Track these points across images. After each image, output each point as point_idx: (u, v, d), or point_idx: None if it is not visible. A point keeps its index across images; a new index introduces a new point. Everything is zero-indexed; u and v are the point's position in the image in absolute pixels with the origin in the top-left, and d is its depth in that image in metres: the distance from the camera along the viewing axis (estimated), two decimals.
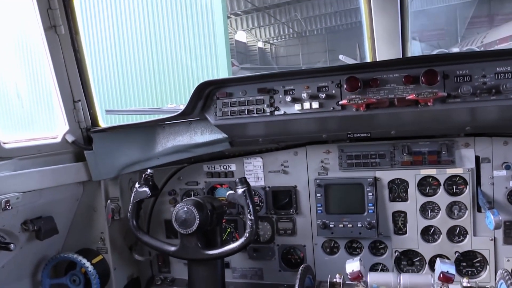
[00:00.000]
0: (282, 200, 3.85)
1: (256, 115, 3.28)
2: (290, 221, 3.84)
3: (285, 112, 3.22)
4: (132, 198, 3.54)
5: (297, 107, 3.17)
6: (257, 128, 3.43)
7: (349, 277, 2.77)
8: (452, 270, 2.62)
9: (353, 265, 2.75)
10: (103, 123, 3.77)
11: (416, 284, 2.56)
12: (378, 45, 3.63)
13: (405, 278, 2.57)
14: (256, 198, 3.85)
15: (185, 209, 3.27)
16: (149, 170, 3.54)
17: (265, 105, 3.26)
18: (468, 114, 3.03)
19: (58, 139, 3.55)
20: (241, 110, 3.30)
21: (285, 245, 3.90)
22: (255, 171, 3.86)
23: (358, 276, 2.74)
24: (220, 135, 3.56)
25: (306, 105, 3.13)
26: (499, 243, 3.39)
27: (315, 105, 3.11)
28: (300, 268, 2.98)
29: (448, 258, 3.39)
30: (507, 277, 2.68)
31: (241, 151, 3.90)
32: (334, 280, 2.95)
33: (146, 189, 3.49)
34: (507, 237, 3.36)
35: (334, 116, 3.13)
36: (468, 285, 2.75)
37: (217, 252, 3.35)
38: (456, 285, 2.77)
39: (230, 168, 3.94)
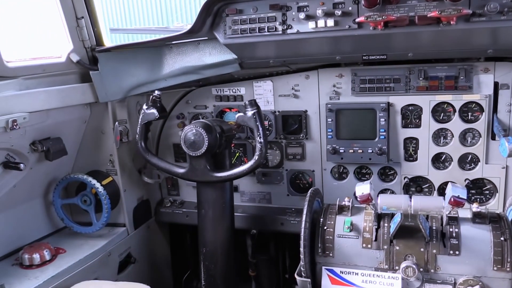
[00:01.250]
0: (292, 125, 3.79)
1: (268, 33, 3.12)
2: (299, 146, 3.80)
3: (298, 30, 3.06)
4: (140, 120, 3.49)
5: (311, 25, 3.00)
6: (268, 48, 3.29)
7: (358, 199, 2.75)
8: (463, 194, 2.58)
9: (363, 188, 2.72)
10: (108, 42, 3.64)
11: (427, 206, 2.52)
12: None
13: (416, 200, 2.53)
14: (266, 122, 3.78)
15: (194, 131, 3.22)
16: (156, 92, 3.46)
17: (277, 23, 3.09)
18: (492, 35, 2.86)
19: (63, 59, 3.44)
20: (251, 28, 3.14)
21: (294, 170, 3.89)
22: (265, 95, 3.76)
23: (367, 199, 2.72)
24: (230, 56, 3.43)
25: (321, 22, 2.96)
26: (511, 171, 3.35)
27: (330, 22, 2.94)
28: (309, 191, 2.97)
29: None
30: None
31: (251, 74, 3.78)
32: (343, 203, 2.95)
33: (154, 110, 3.43)
34: None
35: (349, 35, 2.97)
36: (478, 210, 2.74)
37: (226, 174, 3.34)
38: (466, 210, 2.77)
39: (240, 91, 3.84)
